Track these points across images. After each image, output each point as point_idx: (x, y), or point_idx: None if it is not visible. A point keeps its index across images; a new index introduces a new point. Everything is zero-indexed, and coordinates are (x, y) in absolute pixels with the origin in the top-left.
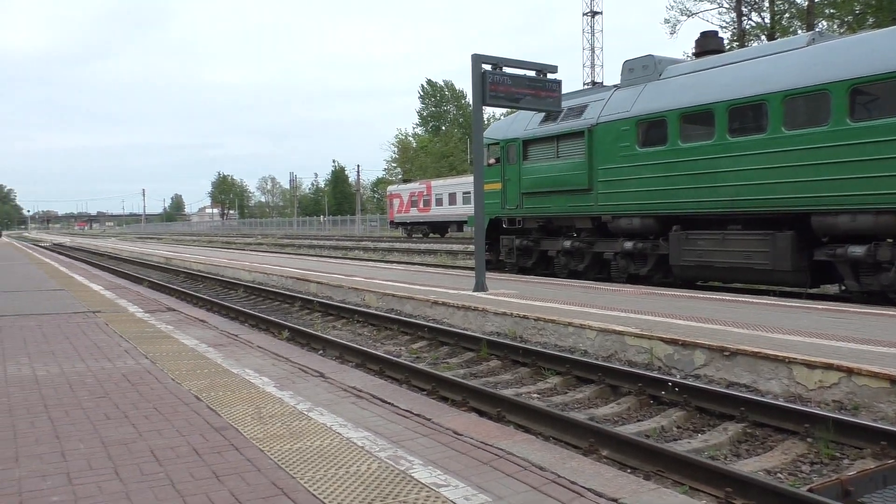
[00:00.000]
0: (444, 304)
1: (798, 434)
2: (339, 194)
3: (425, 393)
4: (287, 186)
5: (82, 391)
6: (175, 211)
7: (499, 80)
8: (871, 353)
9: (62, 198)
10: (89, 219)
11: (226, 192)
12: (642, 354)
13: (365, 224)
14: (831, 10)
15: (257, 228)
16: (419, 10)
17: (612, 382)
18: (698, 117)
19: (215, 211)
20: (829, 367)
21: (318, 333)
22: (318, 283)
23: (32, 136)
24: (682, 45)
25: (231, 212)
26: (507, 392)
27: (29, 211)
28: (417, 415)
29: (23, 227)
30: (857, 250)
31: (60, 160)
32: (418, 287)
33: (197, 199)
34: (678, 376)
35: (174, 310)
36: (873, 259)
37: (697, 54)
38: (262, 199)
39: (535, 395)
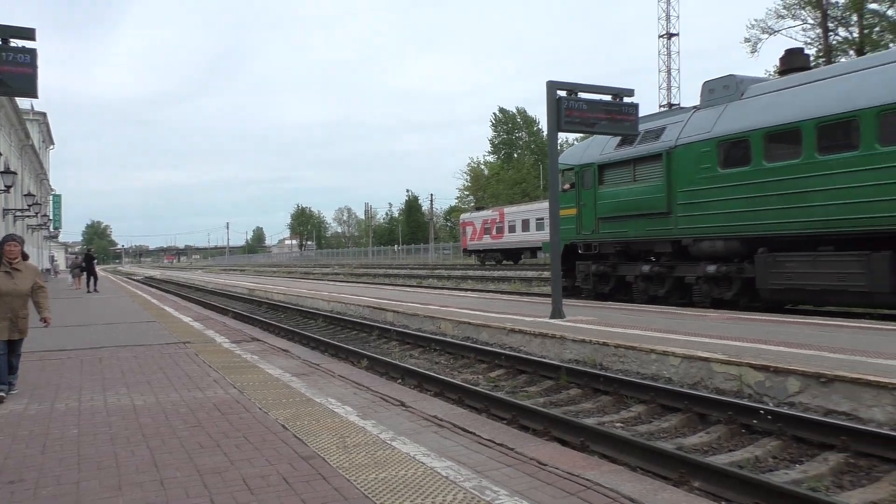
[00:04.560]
0: (520, 331)
1: None
2: (412, 223)
3: (506, 422)
4: (362, 217)
5: (177, 420)
6: (256, 243)
7: (574, 106)
8: None
9: (153, 232)
10: (177, 252)
11: (304, 223)
12: (731, 382)
13: (438, 252)
14: None
15: (334, 258)
16: (489, 40)
17: (699, 411)
18: (784, 136)
19: (294, 242)
20: None
21: (397, 362)
22: (395, 311)
23: (128, 176)
24: (763, 65)
25: (309, 242)
26: (590, 421)
27: (123, 246)
28: (500, 444)
29: (117, 261)
30: None
31: (152, 197)
32: (494, 314)
33: (277, 230)
34: (771, 404)
35: (258, 340)
36: None
37: (782, 72)
38: (339, 230)
39: (619, 424)
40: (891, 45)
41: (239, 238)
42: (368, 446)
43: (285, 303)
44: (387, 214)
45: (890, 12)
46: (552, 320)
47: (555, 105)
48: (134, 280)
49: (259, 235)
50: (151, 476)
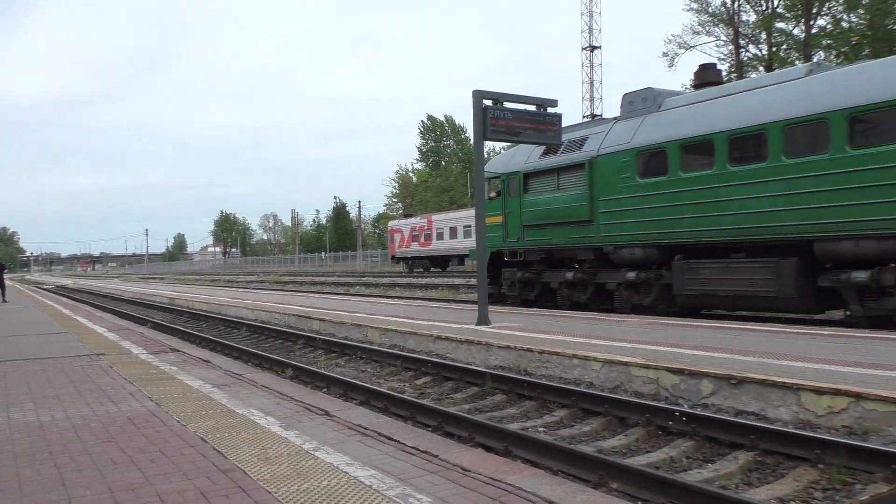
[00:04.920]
0: (447, 338)
1: (809, 461)
2: (340, 230)
3: (431, 429)
4: (289, 224)
5: (88, 436)
6: (178, 250)
7: (499, 115)
8: (878, 378)
9: (66, 239)
10: (92, 260)
11: (228, 230)
12: (649, 385)
13: (366, 260)
14: (828, 42)
15: (259, 266)
16: (419, 48)
17: (619, 414)
18: (699, 147)
19: (217, 249)
20: (837, 392)
21: (322, 371)
22: (321, 320)
23: (37, 179)
24: (680, 78)
25: (233, 250)
26: (514, 426)
27: (32, 253)
28: (424, 451)
29: (26, 269)
30: (861, 275)
31: (64, 202)
32: (421, 322)
33: (200, 237)
34: (686, 406)
35: (178, 350)
36: (877, 284)
37: (696, 86)
38: (264, 237)
39: (542, 429)
40: (797, 62)
41: (159, 245)
42: (291, 457)
43: (207, 312)
44: (314, 221)
45: (795, 31)
46: (478, 327)
47: (481, 114)
48: (44, 289)
49: (181, 242)
50: (59, 495)
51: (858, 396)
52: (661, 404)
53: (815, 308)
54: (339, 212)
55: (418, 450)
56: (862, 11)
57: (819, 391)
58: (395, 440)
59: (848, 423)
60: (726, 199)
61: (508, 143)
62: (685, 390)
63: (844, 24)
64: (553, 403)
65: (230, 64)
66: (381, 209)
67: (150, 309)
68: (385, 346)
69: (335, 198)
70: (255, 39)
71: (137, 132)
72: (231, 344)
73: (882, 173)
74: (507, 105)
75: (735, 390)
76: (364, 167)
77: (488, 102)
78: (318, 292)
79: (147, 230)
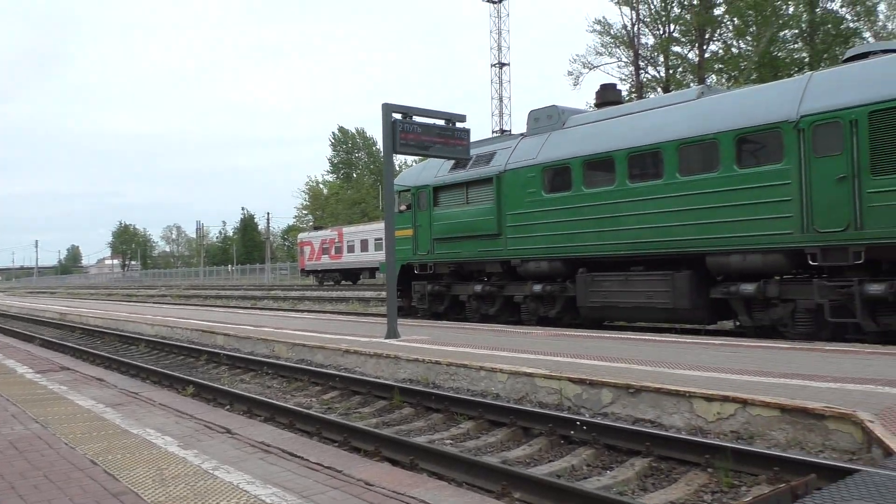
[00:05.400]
0: (356, 352)
1: (700, 465)
2: (248, 242)
3: (337, 444)
4: (193, 235)
5: None
6: (71, 263)
7: (409, 129)
8: (763, 384)
9: None
10: None
11: (127, 241)
12: (552, 395)
13: (275, 273)
14: (720, 66)
15: (161, 279)
16: (333, 59)
17: (523, 424)
18: (600, 164)
19: (116, 262)
20: (725, 399)
21: (225, 388)
22: (226, 334)
23: None
24: (584, 96)
25: (133, 263)
26: (420, 439)
27: None
28: (328, 467)
29: None
30: (749, 288)
31: None
32: (330, 336)
33: (96, 249)
34: (587, 415)
35: (69, 369)
36: (763, 295)
37: (598, 105)
38: (167, 249)
39: (449, 441)
40: (692, 84)
41: (51, 257)
42: (188, 477)
43: (103, 328)
44: (220, 233)
45: (691, 55)
46: (388, 340)
47: (390, 128)
48: None
49: (75, 255)
50: None
51: (745, 402)
52: (564, 414)
53: (708, 319)
54: (247, 223)
55: (322, 465)
56: (750, 38)
57: (709, 398)
58: (299, 456)
59: (736, 428)
60: (626, 213)
61: (419, 157)
62: (587, 400)
63: (735, 50)
64: (460, 415)
65: (130, 70)
66: (291, 221)
67: (38, 325)
68: (292, 360)
69: (243, 209)
70: (157, 46)
71: (28, 138)
72: (128, 361)
73: (765, 191)
74: (417, 119)
75: (633, 399)
76: (273, 178)
77: (398, 116)
78: (224, 306)
79: (37, 241)
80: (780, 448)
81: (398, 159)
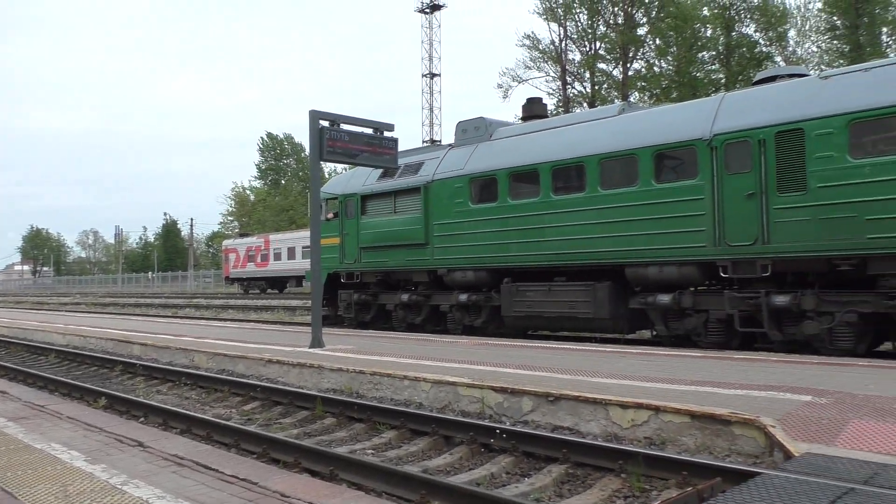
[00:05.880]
0: (278, 361)
1: (614, 471)
2: (170, 249)
3: (255, 456)
4: (111, 241)
5: None
6: None
7: (336, 137)
8: (675, 392)
9: None
10: None
11: (39, 246)
12: (475, 404)
13: (198, 280)
14: (642, 83)
15: (76, 287)
16: (261, 62)
17: (445, 433)
18: (525, 176)
19: (26, 268)
20: (639, 406)
21: (140, 399)
22: (143, 344)
23: None
24: (514, 109)
25: (45, 269)
26: (341, 449)
27: None
28: (244, 479)
29: None
30: (664, 298)
31: None
32: (252, 345)
33: (4, 255)
34: (508, 423)
35: None
36: (678, 306)
37: (524, 118)
38: (83, 255)
39: (370, 451)
40: (616, 100)
41: None
42: (95, 493)
43: (9, 337)
44: (141, 239)
45: (615, 72)
46: (312, 350)
47: (317, 135)
48: None
49: None
50: None
51: (657, 409)
52: (485, 422)
53: (627, 328)
54: (170, 229)
55: (237, 478)
56: (670, 58)
57: (624, 405)
58: (214, 469)
59: (649, 434)
60: (550, 225)
61: (348, 165)
62: (508, 408)
63: (656, 69)
64: (383, 425)
65: (49, 67)
66: (217, 228)
67: None
68: (213, 370)
69: (165, 214)
70: (79, 43)
71: None
72: (35, 372)
73: (680, 205)
74: (345, 127)
75: (552, 407)
76: (199, 184)
77: (325, 123)
78: (144, 315)
79: None
80: (690, 453)
81: (328, 166)
